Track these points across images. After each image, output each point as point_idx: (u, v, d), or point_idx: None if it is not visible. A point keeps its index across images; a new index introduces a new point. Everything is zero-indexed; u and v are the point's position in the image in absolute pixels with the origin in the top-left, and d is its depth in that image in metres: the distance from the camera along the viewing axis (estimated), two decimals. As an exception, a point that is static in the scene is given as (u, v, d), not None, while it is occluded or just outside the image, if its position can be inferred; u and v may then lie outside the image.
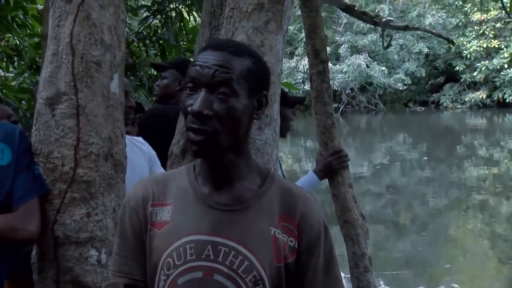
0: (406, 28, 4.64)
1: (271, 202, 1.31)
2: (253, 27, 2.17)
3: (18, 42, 6.75)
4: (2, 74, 6.68)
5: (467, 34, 31.85)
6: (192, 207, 1.30)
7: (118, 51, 2.12)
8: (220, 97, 1.22)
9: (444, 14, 31.93)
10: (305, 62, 31.67)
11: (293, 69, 32.15)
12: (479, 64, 30.95)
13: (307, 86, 31.03)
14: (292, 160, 16.14)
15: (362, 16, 3.39)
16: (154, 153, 2.78)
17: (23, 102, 5.98)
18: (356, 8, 3.27)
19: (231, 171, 1.31)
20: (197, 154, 1.27)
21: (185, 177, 1.35)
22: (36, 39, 6.21)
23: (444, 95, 33.84)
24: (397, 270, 6.51)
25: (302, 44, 31.97)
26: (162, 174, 1.46)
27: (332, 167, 2.74)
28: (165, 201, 1.33)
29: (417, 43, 32.23)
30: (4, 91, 5.91)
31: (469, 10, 31.58)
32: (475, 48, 30.90)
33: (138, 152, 2.70)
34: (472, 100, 32.19)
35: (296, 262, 1.30)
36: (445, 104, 33.44)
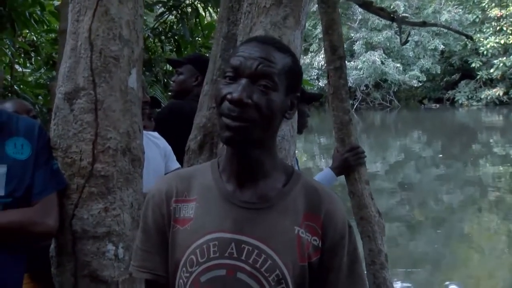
0: (423, 24, 4.59)
1: (296, 201, 1.31)
2: (271, 22, 2.16)
3: (35, 38, 6.80)
4: (20, 69, 6.73)
5: (484, 30, 31.53)
6: (216, 204, 1.30)
7: (136, 46, 2.12)
8: (261, 88, 1.22)
9: (460, 10, 31.63)
10: (319, 59, 31.64)
11: (308, 66, 32.04)
12: (496, 61, 30.68)
13: (321, 83, 31.01)
14: (307, 156, 16.11)
15: (379, 12, 3.37)
16: (169, 148, 2.79)
17: (40, 97, 6.03)
18: (373, 4, 3.25)
19: (256, 168, 1.30)
20: (229, 141, 1.25)
21: (209, 174, 1.35)
22: (53, 35, 6.24)
23: (460, 92, 33.56)
24: (411, 268, 6.47)
25: (317, 40, 31.90)
26: (186, 170, 1.46)
27: (348, 164, 2.73)
28: (189, 197, 1.33)
29: (433, 39, 31.97)
30: (22, 86, 5.96)
31: (486, 6, 31.28)
32: (492, 45, 30.60)
33: (154, 147, 2.70)
34: (488, 97, 31.91)
35: (319, 261, 1.29)
36: (460, 101, 33.16)
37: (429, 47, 32.17)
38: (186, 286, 1.27)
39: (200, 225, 1.29)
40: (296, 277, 1.27)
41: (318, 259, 1.29)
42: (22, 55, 6.84)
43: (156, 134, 2.82)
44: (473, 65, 31.89)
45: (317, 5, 2.82)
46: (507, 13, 29.44)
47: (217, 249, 1.26)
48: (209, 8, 6.15)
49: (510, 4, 25.87)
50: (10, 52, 5.90)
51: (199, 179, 1.35)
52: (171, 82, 3.69)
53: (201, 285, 1.26)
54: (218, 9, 6.70)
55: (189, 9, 6.05)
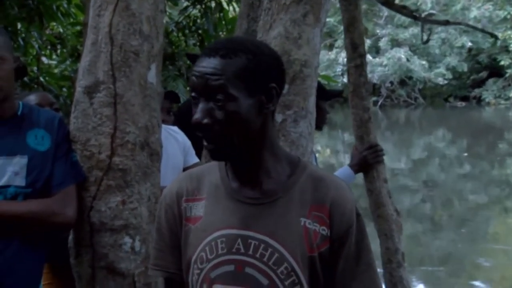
0: (446, 23, 4.53)
1: (302, 192, 1.31)
2: (291, 19, 2.16)
3: (61, 31, 6.88)
4: (46, 61, 6.82)
5: (515, 27, 30.97)
6: (223, 202, 1.32)
7: (156, 41, 2.14)
8: (217, 104, 1.22)
9: (491, 6, 31.08)
10: (344, 55, 31.39)
11: (332, 62, 31.88)
12: (526, 59, 30.12)
13: (346, 79, 30.75)
14: (330, 152, 16.05)
15: (402, 10, 3.34)
16: (189, 143, 2.80)
17: (64, 89, 6.11)
18: (396, 2, 3.22)
19: (256, 166, 1.31)
20: (215, 159, 1.30)
21: (217, 172, 1.37)
22: (78, 27, 6.31)
23: (487, 90, 33.04)
24: (433, 267, 6.42)
25: (342, 36, 31.62)
26: (197, 169, 1.47)
27: (367, 162, 2.72)
28: (199, 196, 1.36)
29: (460, 37, 31.52)
30: (47, 78, 6.04)
31: (518, 2, 30.71)
32: (523, 42, 30.05)
33: (173, 141, 2.72)
34: (517, 96, 31.40)
35: (329, 251, 1.29)
36: (487, 100, 32.64)
37: (456, 45, 31.71)
38: (197, 282, 1.30)
39: (209, 222, 1.31)
40: (307, 268, 1.27)
41: (328, 248, 1.29)
42: (49, 47, 6.93)
43: (175, 128, 2.84)
44: (502, 63, 31.33)
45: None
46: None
47: (224, 245, 1.28)
48: (233, 2, 6.16)
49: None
50: (37, 45, 5.98)
51: (208, 177, 1.37)
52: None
53: (211, 281, 1.28)
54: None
55: (213, 4, 6.07)
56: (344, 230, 1.30)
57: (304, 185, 1.32)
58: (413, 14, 3.44)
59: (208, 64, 1.23)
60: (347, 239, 1.30)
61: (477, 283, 6.03)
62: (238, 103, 1.23)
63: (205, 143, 1.26)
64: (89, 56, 2.07)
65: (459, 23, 5.73)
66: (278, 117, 2.10)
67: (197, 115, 1.23)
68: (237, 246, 1.27)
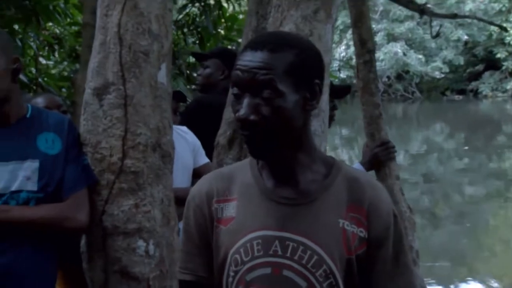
0: (454, 16, 4.51)
1: (338, 193, 1.28)
2: (301, 16, 2.13)
3: (58, 31, 6.83)
4: (44, 62, 6.77)
5: (511, 19, 30.94)
6: (257, 202, 1.28)
7: (166, 40, 2.10)
8: (265, 99, 1.19)
9: (486, -1, 31.11)
10: (341, 50, 31.42)
11: (329, 57, 31.83)
12: (523, 51, 30.13)
13: (343, 74, 30.81)
14: (329, 149, 16.03)
15: (408, 4, 3.31)
16: (198, 143, 2.77)
17: (63, 90, 6.06)
18: (401, -4, 3.22)
19: (292, 165, 1.27)
20: (255, 156, 1.26)
21: (249, 171, 1.32)
22: (76, 28, 6.26)
23: (484, 83, 33.08)
24: (434, 262, 6.41)
25: (338, 31, 31.66)
26: (226, 168, 1.44)
27: (379, 159, 2.69)
28: (230, 196, 1.31)
29: (456, 30, 31.53)
30: (46, 79, 5.99)
31: (513, -5, 30.68)
32: (520, 34, 30.03)
33: (182, 141, 2.69)
34: (514, 88, 31.41)
35: (366, 253, 1.26)
36: (484, 93, 32.68)
37: (452, 38, 31.74)
38: (233, 285, 1.26)
39: (243, 223, 1.27)
40: (344, 271, 1.24)
41: (364, 251, 1.26)
42: (46, 48, 6.88)
43: (185, 128, 2.81)
44: (498, 55, 31.34)
45: (346, -2, 2.78)
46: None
47: (261, 247, 1.24)
48: (231, 0, 6.12)
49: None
50: (35, 45, 5.93)
51: (239, 177, 1.33)
52: (196, 76, 3.66)
53: (247, 284, 1.24)
54: (241, 1, 6.72)
55: (212, 1, 6.04)
56: (382, 231, 1.27)
57: (340, 187, 1.28)
58: (420, 9, 3.41)
59: (255, 58, 1.19)
60: (385, 241, 1.27)
61: (477, 276, 6.02)
62: (285, 99, 1.19)
63: (246, 140, 1.22)
64: (97, 57, 2.04)
65: (467, 16, 5.72)
66: (291, 116, 2.06)
67: (243, 111, 1.19)
68: (274, 248, 1.23)
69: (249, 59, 1.20)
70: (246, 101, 1.19)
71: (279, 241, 1.23)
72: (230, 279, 1.27)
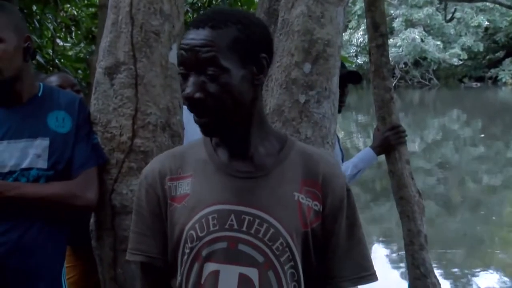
0: (471, 0, 4.44)
1: (293, 167, 1.28)
2: (313, -3, 2.11)
3: (75, 13, 6.85)
4: (61, 44, 6.80)
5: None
6: (212, 177, 1.28)
7: (177, 21, 2.10)
8: (209, 77, 1.18)
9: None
10: (358, 35, 31.17)
11: (346, 42, 31.65)
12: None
13: (360, 60, 30.56)
14: (343, 135, 15.98)
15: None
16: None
17: (79, 71, 6.09)
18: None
19: (246, 140, 1.27)
20: (207, 135, 1.26)
21: (203, 149, 1.32)
22: (93, 9, 6.28)
23: (504, 70, 32.61)
24: (448, 248, 6.39)
25: (356, 17, 31.40)
26: (180, 147, 1.45)
27: (389, 143, 2.68)
28: (184, 174, 1.30)
29: (476, 16, 31.11)
30: (62, 60, 6.03)
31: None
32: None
33: (192, 122, 2.69)
34: (535, 76, 30.97)
35: (321, 226, 1.27)
36: (503, 80, 32.23)
37: (472, 24, 31.34)
38: (188, 262, 1.25)
39: (198, 199, 1.26)
40: (301, 244, 1.25)
41: (319, 224, 1.27)
42: (63, 30, 6.91)
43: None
44: (520, 42, 30.94)
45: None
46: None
47: (216, 222, 1.23)
48: (248, -18, 6.08)
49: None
50: (52, 27, 5.96)
51: (192, 155, 1.33)
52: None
53: (203, 260, 1.23)
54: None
55: (229, -16, 6.00)
56: (336, 205, 1.28)
57: (294, 161, 1.29)
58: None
59: (197, 36, 1.19)
60: (339, 215, 1.29)
61: (490, 264, 5.99)
62: (231, 75, 1.19)
63: (196, 118, 1.22)
64: (109, 37, 2.04)
65: (485, 0, 5.61)
66: (301, 98, 2.06)
67: (189, 89, 1.19)
68: (230, 222, 1.23)
69: (192, 37, 1.19)
70: (191, 79, 1.19)
71: (235, 215, 1.23)
72: (186, 256, 1.25)
